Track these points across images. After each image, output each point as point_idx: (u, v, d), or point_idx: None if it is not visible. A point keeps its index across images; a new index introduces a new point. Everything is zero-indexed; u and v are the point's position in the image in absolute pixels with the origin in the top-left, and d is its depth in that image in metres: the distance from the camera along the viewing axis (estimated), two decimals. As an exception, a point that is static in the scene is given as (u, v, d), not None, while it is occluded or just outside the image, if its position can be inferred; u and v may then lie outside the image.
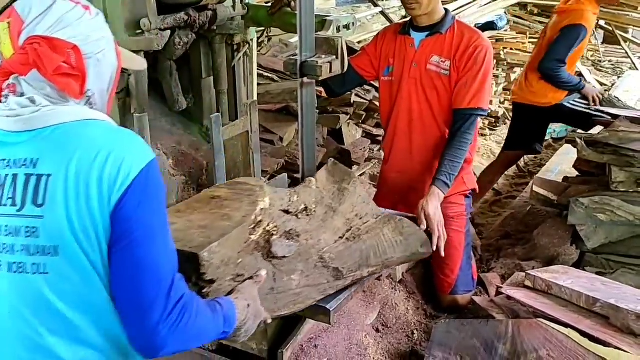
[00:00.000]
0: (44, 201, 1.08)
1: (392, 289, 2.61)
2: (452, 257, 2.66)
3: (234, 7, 2.49)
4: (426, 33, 2.57)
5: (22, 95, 1.14)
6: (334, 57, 2.12)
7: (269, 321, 1.55)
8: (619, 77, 8.07)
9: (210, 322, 1.26)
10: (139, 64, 1.56)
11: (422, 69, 2.56)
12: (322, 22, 2.27)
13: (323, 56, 2.10)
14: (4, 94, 1.15)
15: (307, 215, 1.87)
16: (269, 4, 2.58)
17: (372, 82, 3.30)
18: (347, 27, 2.37)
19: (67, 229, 1.08)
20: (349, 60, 2.50)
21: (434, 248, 2.27)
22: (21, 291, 1.10)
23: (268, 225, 1.68)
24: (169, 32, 2.23)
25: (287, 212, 1.80)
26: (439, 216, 2.34)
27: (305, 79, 2.11)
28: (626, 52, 8.78)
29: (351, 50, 3.11)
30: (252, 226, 1.60)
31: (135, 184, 1.10)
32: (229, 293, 1.47)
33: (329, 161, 2.13)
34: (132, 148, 1.14)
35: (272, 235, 1.69)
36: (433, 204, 2.33)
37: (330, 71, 2.09)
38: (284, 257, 1.70)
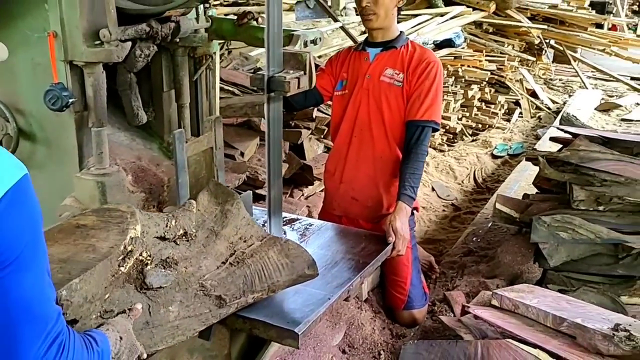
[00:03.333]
0: None
1: (358, 308, 2.57)
2: (402, 273, 2.76)
3: (197, 19, 2.41)
4: (381, 48, 2.68)
5: None
6: (302, 72, 2.07)
7: (144, 356, 1.45)
8: (570, 96, 8.31)
9: (91, 357, 1.18)
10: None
11: (375, 80, 2.66)
12: (289, 37, 2.21)
13: (291, 71, 2.05)
14: None
15: (187, 240, 1.79)
16: (233, 17, 2.52)
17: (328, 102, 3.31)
18: (314, 42, 2.32)
19: None
20: None
21: (393, 254, 2.40)
22: None
23: (141, 255, 1.59)
24: (129, 43, 2.13)
25: (163, 238, 1.72)
26: (406, 232, 2.44)
27: (272, 99, 2.06)
28: (576, 71, 9.07)
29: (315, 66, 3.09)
30: (122, 257, 1.50)
31: (5, 202, 0.98)
32: (98, 327, 1.37)
33: (211, 182, 2.07)
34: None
35: (146, 265, 1.60)
36: (401, 219, 2.43)
37: (298, 87, 2.04)
38: (160, 287, 1.61)
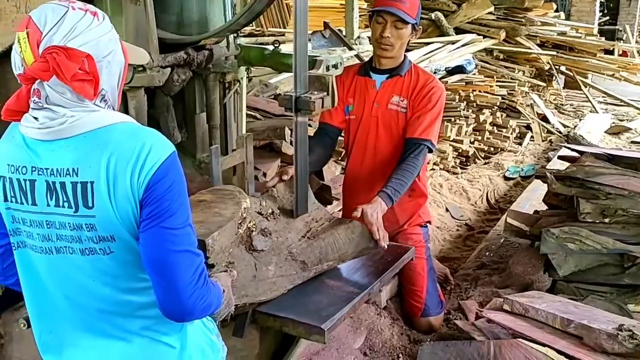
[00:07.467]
0: (93, 204, 1.28)
1: (378, 315, 2.72)
2: (419, 282, 2.89)
3: (227, 47, 2.65)
4: (387, 75, 2.78)
5: (46, 98, 1.27)
6: (325, 93, 2.27)
7: (233, 311, 1.67)
8: (580, 120, 8.47)
9: (217, 295, 1.45)
10: (142, 57, 1.70)
11: (383, 108, 2.77)
12: (313, 62, 2.42)
13: (315, 92, 2.25)
14: (32, 99, 1.28)
15: (274, 218, 2.23)
16: (259, 45, 2.75)
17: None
18: (335, 66, 2.53)
19: (116, 221, 1.29)
20: (321, 124, 2.80)
21: (381, 244, 2.32)
22: (99, 267, 1.34)
23: (250, 222, 2.01)
24: (169, 69, 2.36)
25: (260, 213, 2.17)
26: (378, 219, 2.35)
27: (299, 117, 2.25)
28: (586, 96, 9.23)
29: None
30: (240, 222, 1.91)
31: (160, 170, 1.27)
32: None
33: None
34: (156, 143, 1.30)
35: (252, 231, 2.02)
36: (372, 207, 2.37)
37: (322, 106, 2.23)
38: (262, 250, 2.03)
